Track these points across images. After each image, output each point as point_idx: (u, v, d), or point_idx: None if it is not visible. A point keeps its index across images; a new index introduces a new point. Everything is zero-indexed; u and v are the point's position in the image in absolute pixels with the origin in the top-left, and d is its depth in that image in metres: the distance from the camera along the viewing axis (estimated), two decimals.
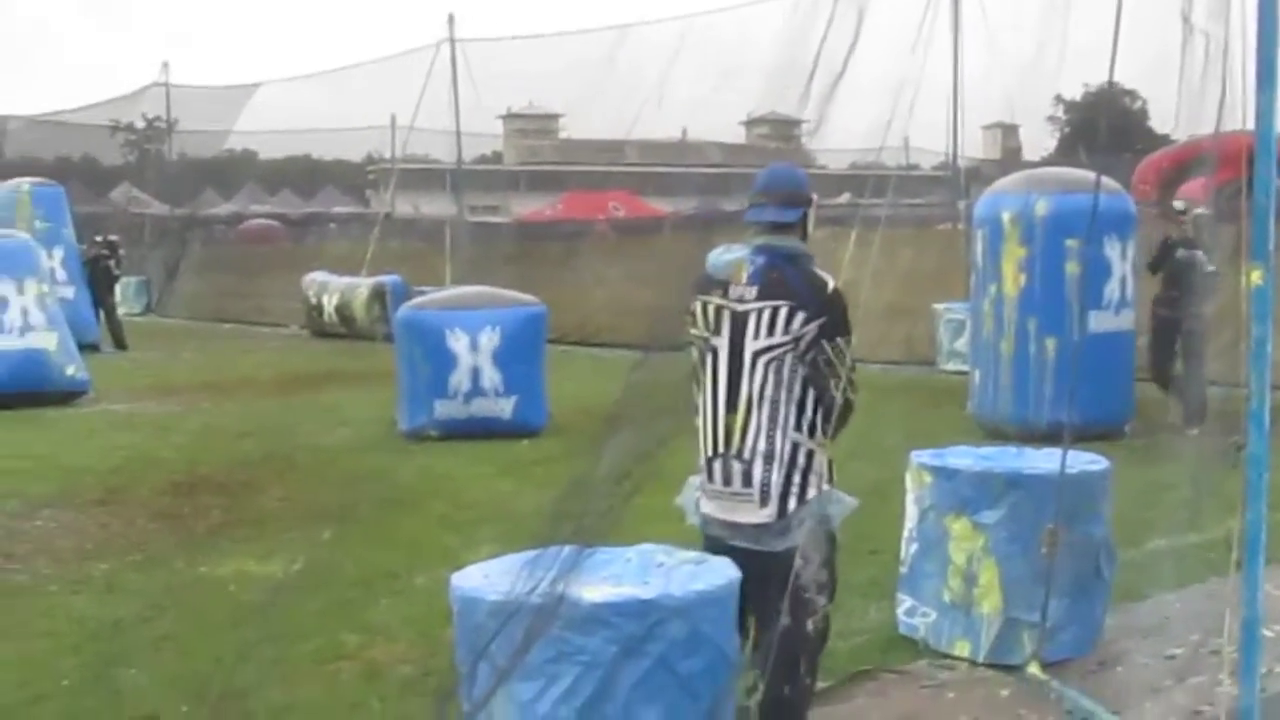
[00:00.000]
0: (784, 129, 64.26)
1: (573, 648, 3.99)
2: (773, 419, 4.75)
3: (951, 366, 17.97)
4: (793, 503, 4.76)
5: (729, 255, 4.93)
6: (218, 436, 13.68)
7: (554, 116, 68.21)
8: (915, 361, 18.91)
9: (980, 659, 6.35)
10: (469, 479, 11.11)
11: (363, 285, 26.30)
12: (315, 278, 28.01)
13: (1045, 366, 12.41)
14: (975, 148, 46.19)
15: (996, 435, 11.19)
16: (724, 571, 4.36)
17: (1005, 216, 12.89)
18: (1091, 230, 11.45)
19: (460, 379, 13.19)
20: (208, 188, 50.38)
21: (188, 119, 43.76)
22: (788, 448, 4.76)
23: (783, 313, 4.75)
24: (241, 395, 16.88)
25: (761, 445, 4.76)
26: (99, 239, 26.16)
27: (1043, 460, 6.56)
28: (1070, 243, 12.22)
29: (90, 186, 42.28)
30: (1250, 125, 4.45)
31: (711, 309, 4.83)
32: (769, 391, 4.76)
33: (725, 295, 4.82)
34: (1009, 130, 58.55)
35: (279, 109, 40.51)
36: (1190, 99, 4.96)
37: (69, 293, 22.96)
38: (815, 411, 4.79)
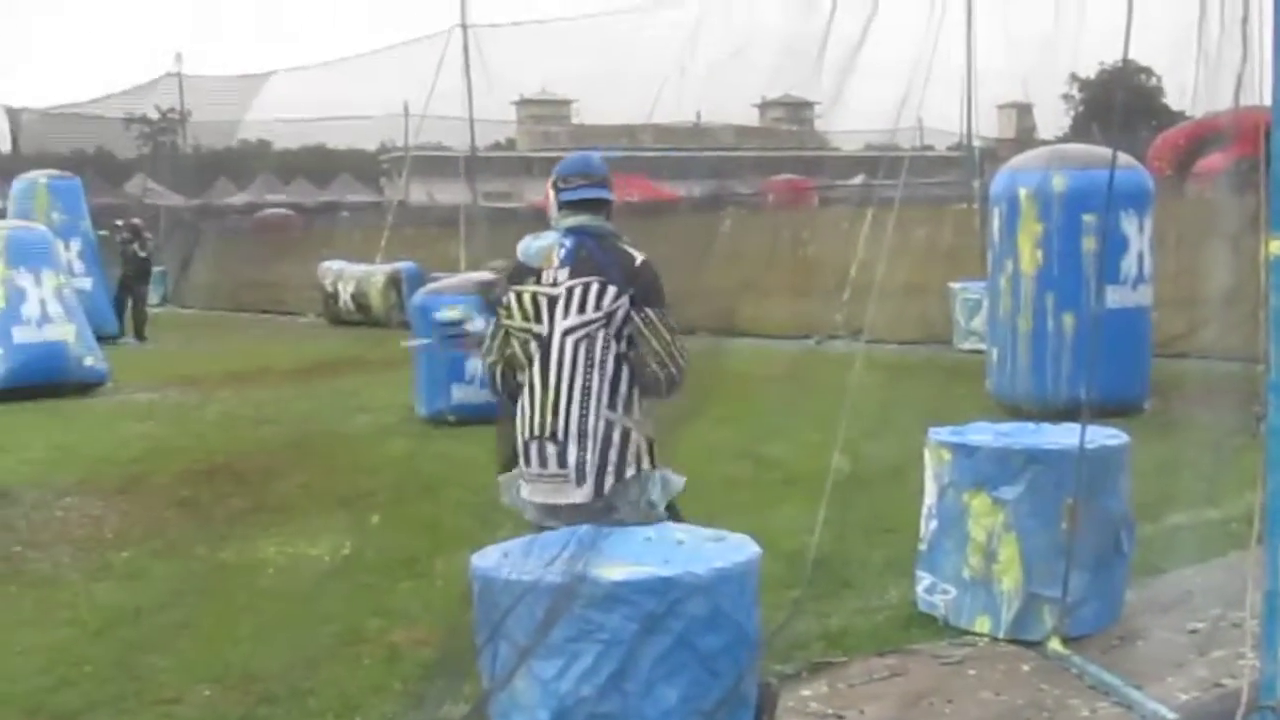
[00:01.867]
0: (798, 111, 64.22)
1: (593, 626, 4.00)
2: (585, 398, 4.79)
3: (968, 345, 17.95)
4: (609, 481, 4.79)
5: (539, 243, 4.99)
6: (237, 424, 13.72)
7: (566, 102, 68.10)
8: (932, 341, 18.88)
9: (1001, 635, 6.35)
10: (487, 463, 11.06)
11: (378, 272, 26.33)
12: (331, 266, 28.05)
13: (1063, 343, 12.38)
14: (990, 128, 46.10)
15: (1015, 413, 11.15)
16: (744, 549, 4.36)
17: (1022, 193, 12.85)
18: (1108, 205, 11.41)
19: (476, 364, 13.18)
20: (222, 178, 50.38)
21: (201, 109, 43.84)
22: (601, 426, 4.79)
23: (593, 289, 4.81)
24: (260, 383, 16.91)
25: (574, 425, 4.79)
26: (119, 223, 26.09)
27: (1062, 435, 6.55)
28: (1087, 218, 12.19)
29: (105, 178, 42.30)
30: (1268, 100, 4.43)
31: (528, 298, 4.90)
32: (580, 370, 4.81)
33: (539, 282, 4.89)
34: (1023, 110, 58.34)
35: (291, 98, 40.54)
36: (1208, 74, 4.94)
37: (86, 284, 23.02)
38: (630, 389, 4.84)
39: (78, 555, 8.65)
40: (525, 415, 4.89)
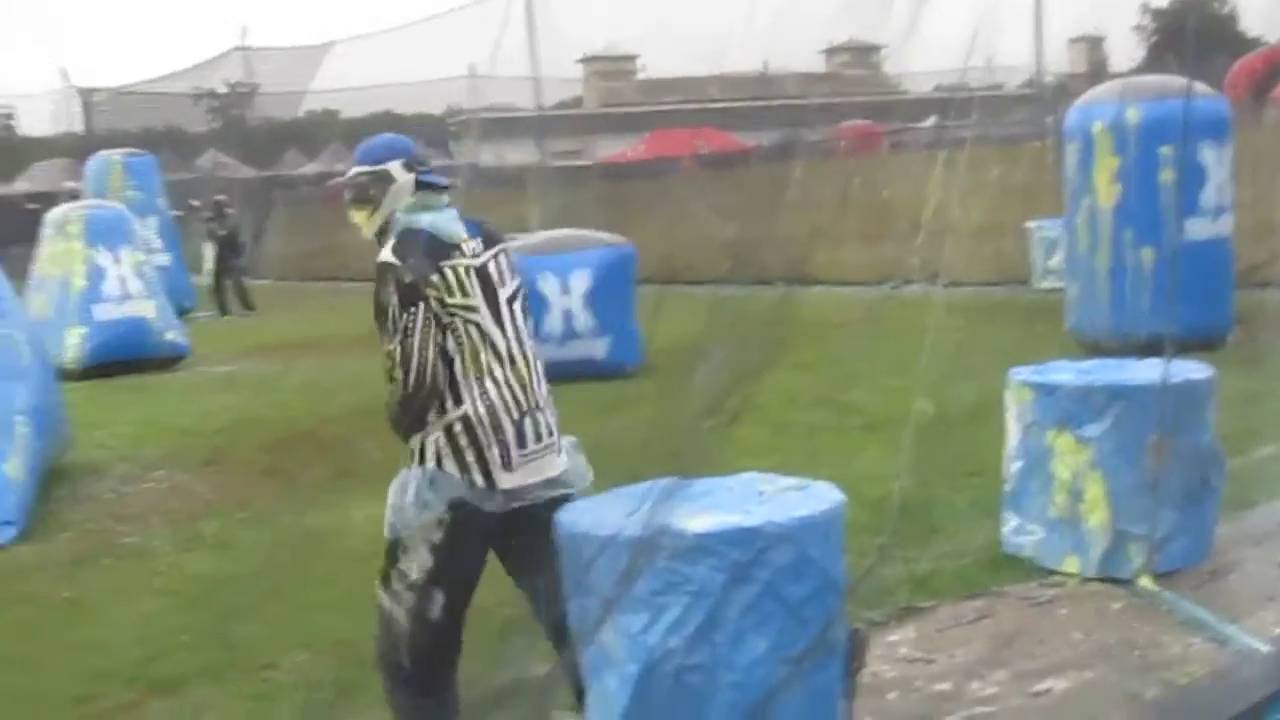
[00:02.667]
0: (864, 56, 63.67)
1: (680, 578, 4.00)
2: (538, 364, 4.79)
3: (1047, 284, 17.75)
4: (564, 441, 4.88)
5: (445, 217, 4.79)
6: (317, 392, 13.83)
7: (631, 57, 67.93)
8: (1009, 281, 18.69)
9: (1090, 574, 6.30)
10: (567, 419, 11.06)
11: None
12: None
13: (1143, 277, 12.20)
14: (1061, 63, 45.43)
15: (1095, 350, 11.04)
16: (828, 496, 4.35)
17: (1096, 127, 12.67)
18: (1185, 136, 11.22)
19: (553, 322, 13.25)
20: (291, 149, 50.73)
21: (268, 81, 44.11)
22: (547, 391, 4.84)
23: (503, 258, 4.76)
24: (337, 351, 17.02)
25: (544, 392, 4.80)
26: (195, 203, 26.27)
27: (1145, 371, 6.47)
28: (1164, 150, 11.99)
29: (177, 154, 42.70)
30: None
31: (461, 272, 4.64)
32: (528, 336, 4.78)
33: (464, 255, 4.68)
34: (1095, 43, 57.58)
35: (356, 66, 40.75)
36: None
37: (164, 260, 23.27)
38: None
39: (168, 527, 8.78)
40: (504, 394, 4.63)
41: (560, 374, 13.11)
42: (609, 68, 69.50)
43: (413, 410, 4.62)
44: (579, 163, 40.39)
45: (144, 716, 5.57)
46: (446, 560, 4.55)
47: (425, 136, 56.90)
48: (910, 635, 5.79)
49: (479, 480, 4.55)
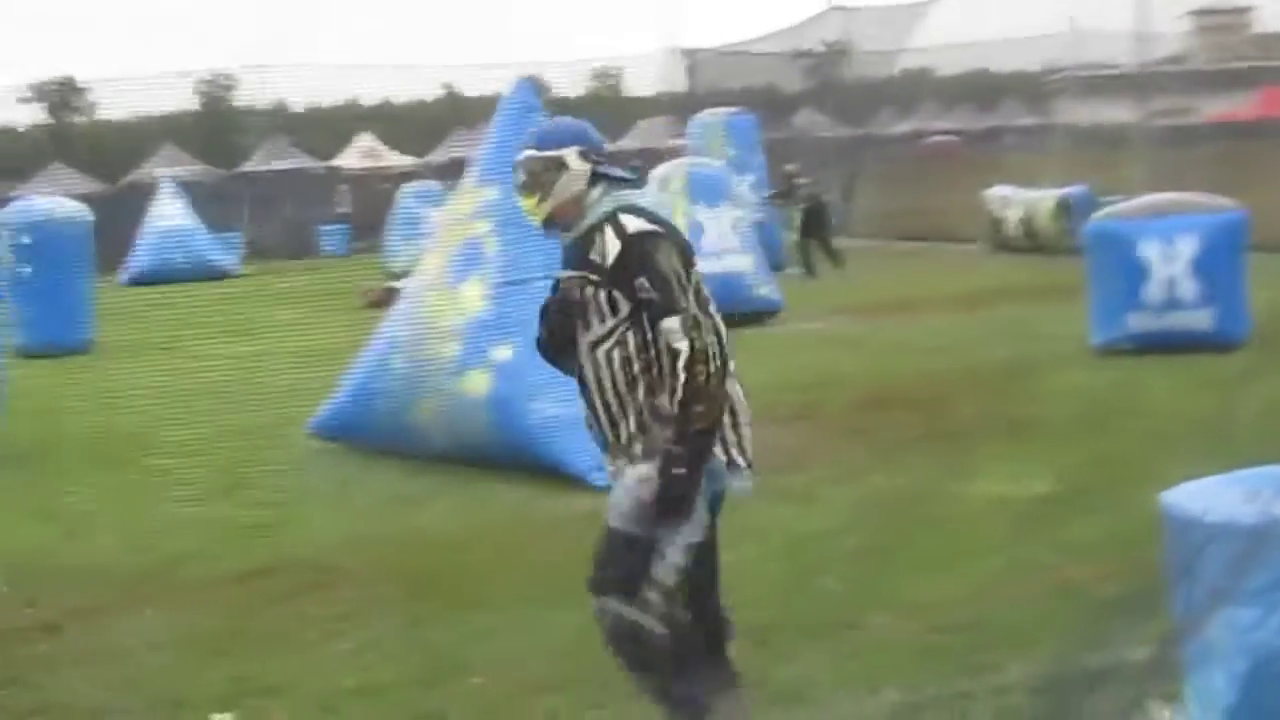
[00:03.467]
0: None
1: None
2: None
3: None
4: None
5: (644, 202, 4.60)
6: (906, 353, 13.83)
7: (1243, 10, 63.95)
8: None
9: None
10: (1166, 393, 10.63)
11: (1047, 198, 25.76)
12: (997, 192, 27.71)
13: None
14: None
15: None
16: None
17: None
18: None
19: (1154, 290, 12.66)
20: (884, 107, 50.93)
21: (863, 41, 44.38)
22: None
23: None
24: (927, 311, 16.98)
25: None
26: (790, 168, 26.70)
27: None
28: None
29: (773, 113, 43.73)
30: None
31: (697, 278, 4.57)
32: None
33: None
34: None
35: (953, 25, 40.30)
36: None
37: (760, 217, 23.88)
38: None
39: (757, 478, 8.96)
40: (741, 401, 4.64)
41: (1159, 345, 12.65)
42: (1220, 21, 65.73)
43: (723, 382, 4.43)
44: (1184, 122, 38.41)
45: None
46: (699, 557, 4.47)
47: (1021, 95, 55.95)
48: None
49: (740, 460, 4.55)
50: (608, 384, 4.40)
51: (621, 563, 4.34)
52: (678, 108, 39.44)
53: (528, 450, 9.21)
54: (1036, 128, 43.08)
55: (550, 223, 4.59)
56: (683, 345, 4.26)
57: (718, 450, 4.44)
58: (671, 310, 4.31)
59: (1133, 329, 12.67)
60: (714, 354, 4.31)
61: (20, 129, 51.57)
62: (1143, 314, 12.65)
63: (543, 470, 9.04)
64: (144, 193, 35.76)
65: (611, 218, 4.43)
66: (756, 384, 12.49)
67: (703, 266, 15.26)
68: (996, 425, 9.87)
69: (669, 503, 4.28)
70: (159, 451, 11.03)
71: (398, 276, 22.38)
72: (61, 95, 55.40)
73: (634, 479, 4.34)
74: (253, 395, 13.42)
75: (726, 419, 4.47)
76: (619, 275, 4.36)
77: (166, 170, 38.77)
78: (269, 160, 43.50)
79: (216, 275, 31.55)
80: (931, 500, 7.95)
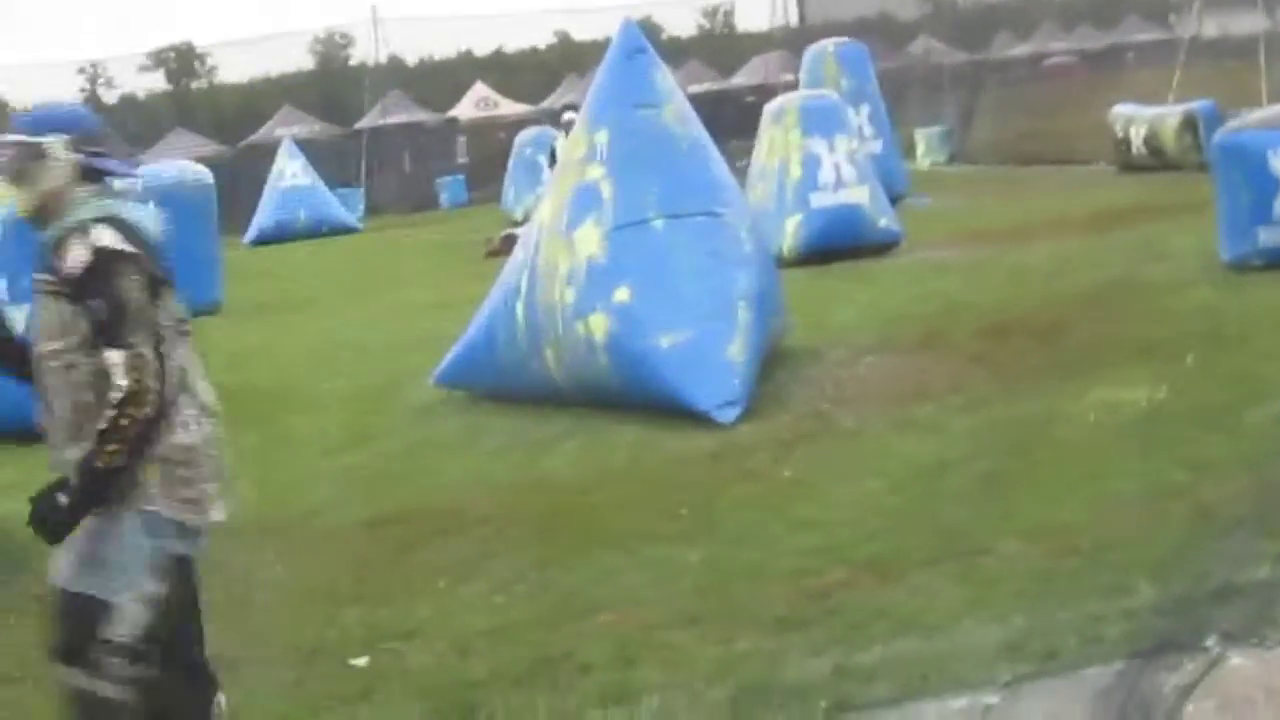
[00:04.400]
0: None
1: None
2: None
3: None
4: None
5: (132, 210, 4.17)
6: (1029, 278, 13.63)
7: None
8: None
9: None
10: None
11: (1172, 114, 25.15)
12: (1121, 110, 27.11)
13: None
14: None
15: None
16: None
17: None
18: None
19: None
20: (1002, 30, 50.02)
21: None
22: None
23: None
24: (1049, 236, 16.69)
25: None
26: None
27: None
28: None
29: (889, 42, 43.15)
30: None
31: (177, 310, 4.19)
32: None
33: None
34: None
35: None
36: None
37: (876, 147, 23.59)
38: None
39: (881, 410, 8.94)
40: (205, 425, 4.31)
41: None
42: None
43: (150, 431, 3.96)
44: None
45: (858, 596, 5.69)
46: (166, 611, 4.08)
47: (1143, 10, 54.67)
48: None
49: (194, 520, 4.13)
50: (65, 402, 4.06)
51: (67, 628, 4.05)
52: (790, 41, 39.11)
53: (649, 390, 9.24)
54: (1159, 43, 42.06)
55: (34, 217, 4.13)
56: (123, 383, 3.87)
57: (170, 510, 4.05)
58: (117, 343, 3.90)
59: (1263, 244, 12.34)
60: (152, 400, 3.90)
61: (141, 96, 52.55)
62: (1273, 228, 12.31)
63: (665, 409, 9.06)
64: (264, 153, 36.39)
65: (86, 227, 4.00)
66: (879, 314, 12.55)
67: (819, 201, 15.05)
68: (1123, 346, 9.69)
69: (39, 527, 3.99)
70: (293, 407, 11.26)
71: (518, 224, 22.58)
72: (180, 61, 56.32)
73: (81, 530, 4.00)
74: (381, 349, 13.64)
75: (183, 472, 4.08)
76: (80, 291, 3.96)
77: (285, 130, 39.35)
78: (385, 115, 43.93)
79: (339, 231, 32.03)
80: (1057, 424, 7.85)
